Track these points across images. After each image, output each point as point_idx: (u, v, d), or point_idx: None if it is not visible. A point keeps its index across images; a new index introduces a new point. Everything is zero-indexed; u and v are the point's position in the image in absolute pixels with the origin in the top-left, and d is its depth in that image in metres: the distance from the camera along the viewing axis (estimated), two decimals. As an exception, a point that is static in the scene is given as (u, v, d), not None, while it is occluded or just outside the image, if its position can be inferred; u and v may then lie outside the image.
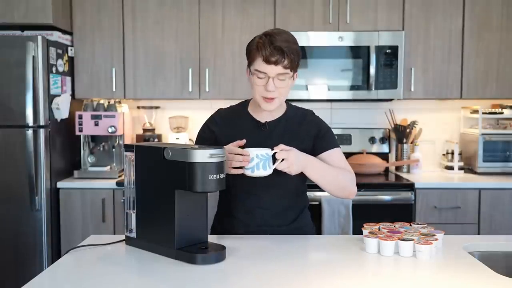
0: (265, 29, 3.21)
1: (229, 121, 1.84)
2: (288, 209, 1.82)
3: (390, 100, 3.40)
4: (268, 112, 1.79)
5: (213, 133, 1.83)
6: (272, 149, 1.62)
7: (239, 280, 1.34)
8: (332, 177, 1.73)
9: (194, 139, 3.70)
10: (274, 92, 1.68)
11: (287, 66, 1.66)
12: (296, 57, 1.68)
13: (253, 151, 1.61)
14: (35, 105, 2.87)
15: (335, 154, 1.81)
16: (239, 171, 1.62)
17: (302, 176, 1.71)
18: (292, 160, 1.60)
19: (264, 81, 1.68)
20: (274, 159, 1.62)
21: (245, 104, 1.88)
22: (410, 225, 1.70)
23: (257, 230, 1.78)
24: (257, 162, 1.61)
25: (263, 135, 1.79)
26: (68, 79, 3.23)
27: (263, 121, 1.81)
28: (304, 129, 1.81)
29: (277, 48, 1.63)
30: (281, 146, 1.61)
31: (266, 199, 1.78)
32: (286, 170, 1.61)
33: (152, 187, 1.55)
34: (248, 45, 1.73)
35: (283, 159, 1.60)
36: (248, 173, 1.62)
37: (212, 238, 1.63)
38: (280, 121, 1.81)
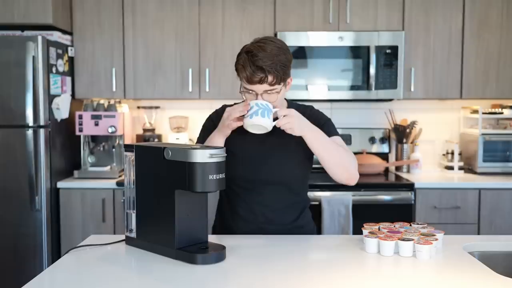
0: (265, 29, 3.27)
1: None
2: (289, 207, 1.81)
3: (390, 100, 3.40)
4: None
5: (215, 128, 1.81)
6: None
7: (239, 280, 1.34)
8: (334, 151, 1.68)
9: (194, 139, 3.70)
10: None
11: (273, 83, 1.64)
12: (281, 70, 1.64)
13: (254, 101, 1.62)
14: (35, 105, 2.87)
15: (336, 140, 1.76)
16: (239, 123, 1.63)
17: (304, 171, 1.71)
18: (294, 119, 1.59)
19: (253, 97, 1.67)
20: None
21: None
22: (410, 225, 1.70)
23: (258, 228, 1.78)
24: (256, 109, 1.60)
25: (263, 135, 1.78)
26: (68, 79, 3.23)
27: None
28: None
29: (258, 68, 1.60)
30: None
31: (267, 196, 1.77)
32: (287, 127, 1.59)
33: (152, 187, 1.55)
34: (235, 63, 1.70)
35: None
36: (247, 121, 1.60)
37: (212, 238, 1.63)
38: None
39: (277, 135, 1.74)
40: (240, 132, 1.74)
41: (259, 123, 1.60)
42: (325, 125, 1.79)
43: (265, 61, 1.60)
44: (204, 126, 1.88)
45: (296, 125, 1.60)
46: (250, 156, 1.75)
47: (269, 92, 1.65)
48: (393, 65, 3.23)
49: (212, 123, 1.84)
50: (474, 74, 3.32)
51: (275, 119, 1.62)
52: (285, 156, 1.76)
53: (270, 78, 1.62)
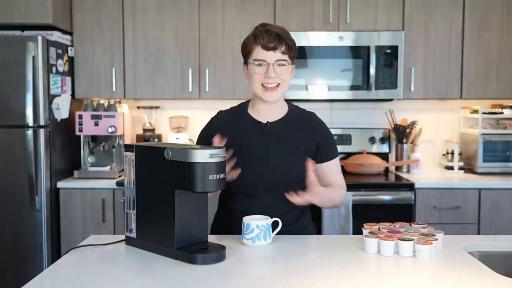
0: (265, 29, 3.25)
1: (230, 123, 1.81)
2: (289, 211, 1.78)
3: (390, 100, 3.40)
4: (269, 111, 1.78)
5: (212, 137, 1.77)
6: (270, 214, 1.67)
7: (239, 280, 1.34)
8: (328, 202, 1.79)
9: (194, 139, 3.69)
10: (275, 78, 1.69)
11: (285, 52, 1.69)
12: (293, 44, 1.72)
13: (253, 222, 1.62)
14: (35, 105, 2.87)
15: (334, 165, 1.85)
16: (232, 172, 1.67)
17: (302, 175, 1.71)
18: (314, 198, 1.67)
19: (264, 68, 1.69)
20: (273, 227, 1.66)
21: (245, 105, 1.85)
22: (410, 225, 1.70)
23: None
24: (257, 232, 1.62)
25: (265, 136, 1.77)
26: (68, 79, 3.23)
27: (264, 121, 1.78)
28: (308, 133, 1.80)
29: (274, 34, 1.68)
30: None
31: (267, 201, 1.76)
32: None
33: (152, 187, 1.55)
34: (243, 41, 1.78)
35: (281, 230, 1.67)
36: (248, 243, 1.62)
37: (212, 238, 1.63)
38: (282, 121, 1.79)
39: (278, 140, 1.74)
40: (238, 137, 1.74)
41: (261, 245, 1.63)
42: (329, 145, 1.83)
43: (279, 30, 1.71)
44: (198, 139, 1.87)
45: (312, 201, 1.68)
46: (249, 160, 1.74)
47: (280, 62, 1.69)
48: (393, 65, 3.23)
49: (206, 135, 1.81)
50: (474, 74, 3.32)
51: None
52: (284, 160, 1.75)
53: (284, 46, 1.68)
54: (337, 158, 1.86)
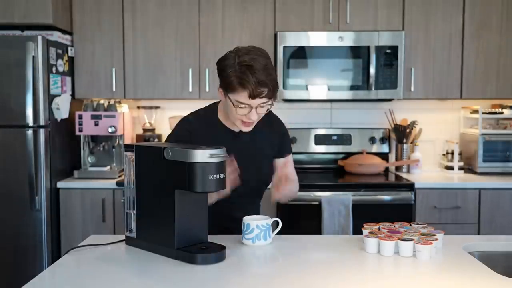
0: (265, 29, 3.27)
1: (201, 130, 1.80)
2: (255, 209, 1.93)
3: (390, 100, 3.40)
4: None
5: (191, 137, 1.78)
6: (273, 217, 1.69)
7: (239, 280, 1.34)
8: (286, 197, 1.87)
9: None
10: (256, 119, 1.69)
11: (270, 96, 1.65)
12: (276, 85, 1.66)
13: (253, 222, 1.63)
14: (35, 105, 2.86)
15: (289, 160, 1.94)
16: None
17: (271, 179, 1.86)
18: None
19: (246, 110, 1.66)
20: (273, 227, 1.68)
21: (214, 111, 1.85)
22: (410, 225, 1.70)
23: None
24: (257, 232, 1.62)
25: (237, 143, 1.79)
26: (68, 79, 3.23)
27: (236, 130, 1.80)
28: (272, 132, 1.88)
29: (261, 82, 1.60)
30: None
31: (240, 203, 1.82)
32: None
33: (152, 187, 1.55)
34: (223, 73, 1.67)
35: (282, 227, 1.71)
36: (248, 243, 1.63)
37: (212, 238, 1.63)
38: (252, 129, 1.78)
39: (251, 145, 1.81)
40: (212, 144, 1.75)
41: (261, 245, 1.63)
42: (286, 141, 1.94)
43: (265, 74, 1.61)
44: (175, 135, 1.83)
45: None
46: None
47: (263, 105, 1.67)
48: (393, 65, 3.23)
49: (187, 133, 1.80)
50: (474, 74, 3.32)
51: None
52: (257, 165, 1.82)
53: (270, 92, 1.63)
54: (291, 155, 1.96)
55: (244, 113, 1.66)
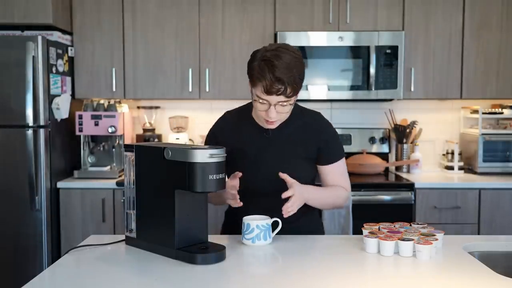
0: (265, 29, 3.27)
1: (233, 126, 1.84)
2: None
3: (390, 100, 3.40)
4: None
5: (217, 140, 1.82)
6: (272, 217, 1.66)
7: (239, 280, 1.34)
8: (328, 205, 1.87)
9: (194, 139, 3.70)
10: (276, 117, 1.67)
11: (289, 95, 1.62)
12: (298, 83, 1.62)
13: (253, 222, 1.62)
14: (35, 105, 2.86)
15: (337, 168, 1.86)
16: (240, 204, 1.66)
17: (306, 177, 1.76)
18: (296, 204, 1.64)
19: (265, 107, 1.65)
20: (273, 227, 1.67)
21: (249, 106, 1.85)
22: (410, 225, 1.70)
23: None
24: (257, 233, 1.62)
25: (266, 141, 1.78)
26: (68, 79, 3.23)
27: (266, 126, 1.78)
28: (310, 138, 1.80)
29: (278, 78, 1.57)
30: (286, 206, 1.62)
31: (266, 203, 1.75)
32: (292, 212, 1.64)
33: (152, 187, 1.55)
34: (249, 65, 1.66)
35: (282, 226, 1.67)
36: (248, 243, 1.63)
37: (212, 238, 1.63)
38: (283, 127, 1.78)
39: (279, 145, 1.77)
40: (239, 141, 1.75)
41: (261, 245, 1.63)
42: (330, 147, 1.84)
43: (285, 72, 1.58)
44: (207, 138, 1.88)
45: (298, 204, 1.66)
46: (249, 165, 1.76)
47: (283, 104, 1.64)
48: (393, 65, 3.23)
49: (213, 138, 1.84)
50: (474, 74, 3.32)
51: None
52: (282, 165, 1.75)
53: (288, 90, 1.60)
54: (341, 161, 1.87)
55: (263, 109, 1.66)
